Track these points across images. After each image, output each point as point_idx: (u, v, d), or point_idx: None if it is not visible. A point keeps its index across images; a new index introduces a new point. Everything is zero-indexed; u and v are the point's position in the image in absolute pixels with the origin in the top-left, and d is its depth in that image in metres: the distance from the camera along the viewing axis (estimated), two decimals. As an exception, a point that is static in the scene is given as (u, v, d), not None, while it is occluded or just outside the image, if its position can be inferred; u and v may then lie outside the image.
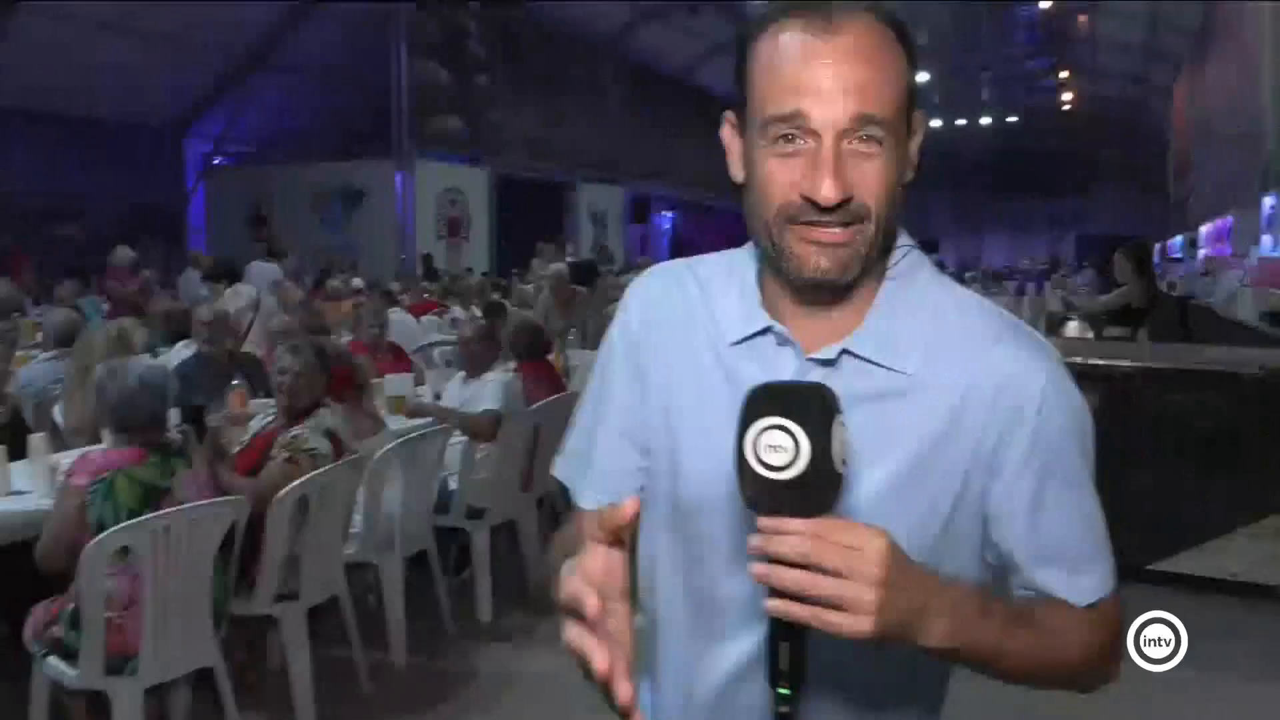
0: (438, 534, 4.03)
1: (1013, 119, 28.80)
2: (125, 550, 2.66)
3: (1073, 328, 7.95)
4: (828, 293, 0.99)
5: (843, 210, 0.93)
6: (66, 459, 3.32)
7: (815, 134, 0.92)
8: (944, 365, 0.99)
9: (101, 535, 2.62)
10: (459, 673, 3.67)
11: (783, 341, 1.02)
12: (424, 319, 8.18)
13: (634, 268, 13.34)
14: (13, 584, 3.30)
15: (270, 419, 3.67)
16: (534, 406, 4.49)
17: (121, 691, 2.70)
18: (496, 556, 4.25)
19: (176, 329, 5.70)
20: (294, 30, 15.14)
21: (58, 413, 4.26)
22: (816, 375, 0.98)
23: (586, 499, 1.13)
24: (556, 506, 4.60)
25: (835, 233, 0.94)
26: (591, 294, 8.65)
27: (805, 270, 0.96)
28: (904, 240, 1.05)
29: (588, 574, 0.83)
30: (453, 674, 3.66)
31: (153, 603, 2.70)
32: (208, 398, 3.96)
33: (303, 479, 3.17)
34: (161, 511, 2.73)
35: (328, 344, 3.99)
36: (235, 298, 6.99)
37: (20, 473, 3.32)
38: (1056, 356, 1.03)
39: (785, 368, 1.00)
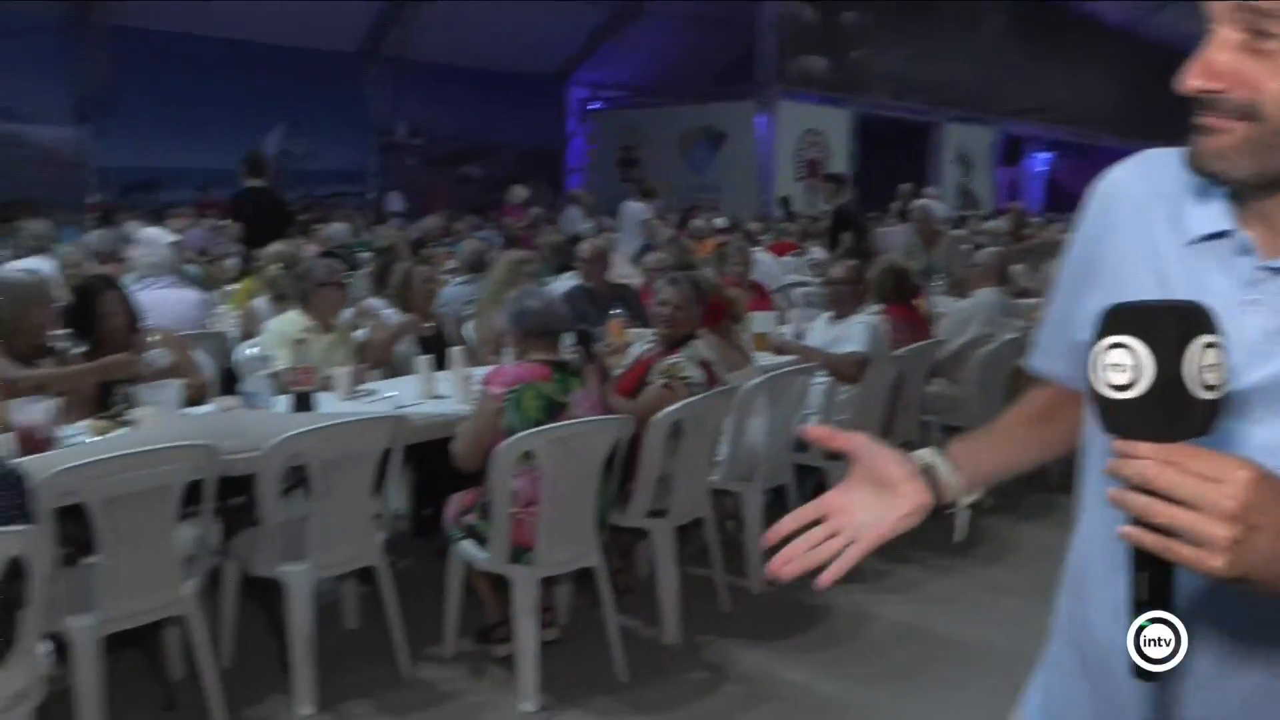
0: (797, 471, 4.09)
1: None
2: (529, 455, 2.97)
3: None
4: (1265, 194, 0.93)
5: (1217, 100, 0.88)
6: (477, 370, 3.77)
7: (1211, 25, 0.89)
8: None
9: (510, 440, 2.95)
10: (815, 607, 3.73)
11: (1242, 250, 0.95)
12: (783, 259, 8.24)
13: (1000, 213, 12.50)
14: (435, 475, 3.84)
15: (648, 346, 3.90)
16: (898, 352, 4.39)
17: (520, 577, 3.05)
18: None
19: (561, 261, 6.23)
20: (668, -22, 15.70)
21: (468, 330, 4.84)
22: (1271, 286, 0.92)
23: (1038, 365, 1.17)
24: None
25: (1210, 123, 0.90)
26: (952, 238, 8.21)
27: (1192, 160, 0.93)
28: None
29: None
30: (808, 607, 3.73)
31: (549, 503, 3.01)
32: (591, 325, 4.29)
33: (678, 404, 3.35)
34: (560, 423, 3.01)
35: (703, 278, 4.14)
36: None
37: (442, 380, 3.81)
38: None
39: (1237, 273, 0.94)
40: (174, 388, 3.26)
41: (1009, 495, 4.45)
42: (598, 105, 18.16)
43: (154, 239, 5.09)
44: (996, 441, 1.21)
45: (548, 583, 3.30)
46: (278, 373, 3.61)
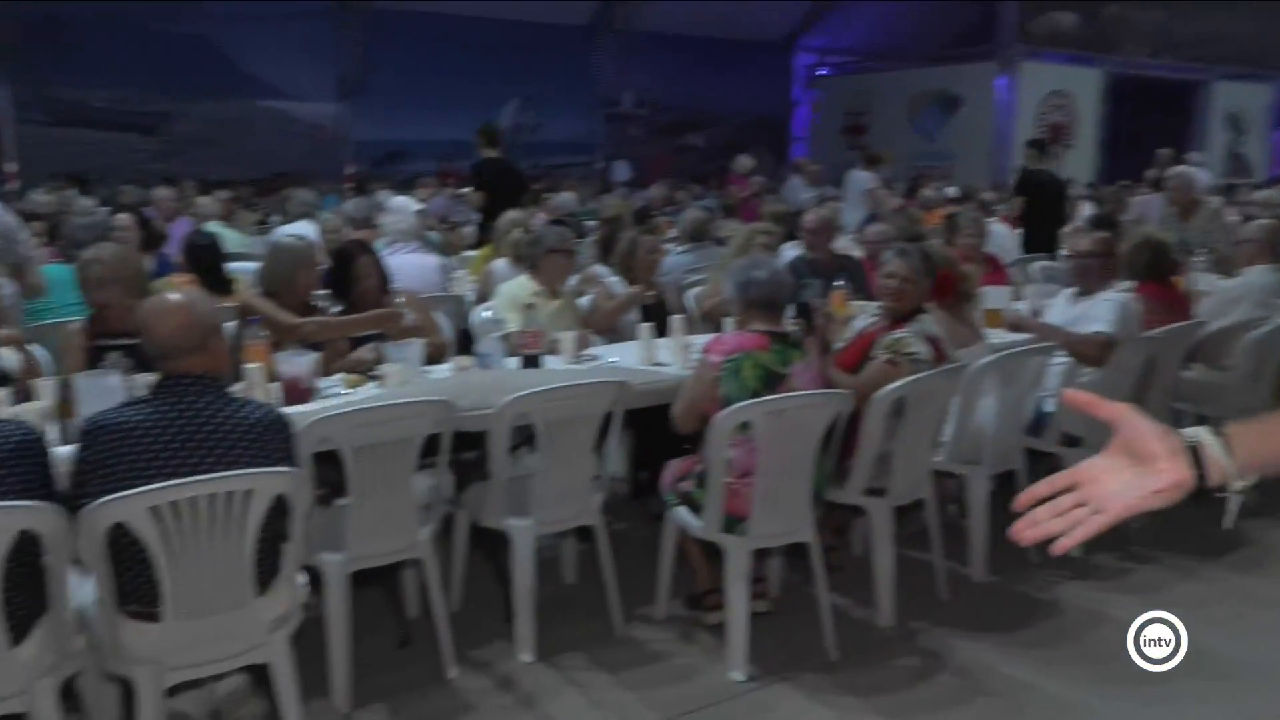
0: (1028, 456, 3.86)
1: None
2: (745, 425, 2.97)
3: None
4: None
5: None
6: (697, 339, 3.80)
7: None
8: None
9: (728, 410, 2.95)
10: (1042, 601, 3.52)
11: None
12: (1019, 231, 7.76)
13: (1275, 182, 11.18)
14: (653, 440, 3.91)
15: (871, 319, 3.78)
16: (1151, 334, 4.03)
17: (733, 547, 3.06)
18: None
19: (784, 231, 6.13)
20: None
21: (689, 298, 4.88)
22: None
23: None
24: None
25: None
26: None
27: None
28: None
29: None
30: (1033, 601, 3.53)
31: (764, 475, 2.99)
32: (815, 296, 4.20)
33: (902, 381, 3.23)
34: (778, 395, 2.98)
35: (934, 250, 3.96)
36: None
37: (662, 347, 3.86)
38: None
39: None
40: (417, 347, 3.48)
41: (1273, 496, 4.01)
42: (824, 71, 17.72)
43: (402, 207, 5.45)
44: None
45: (760, 554, 3.29)
46: (509, 335, 3.78)
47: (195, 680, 2.47)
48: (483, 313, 3.89)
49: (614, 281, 4.56)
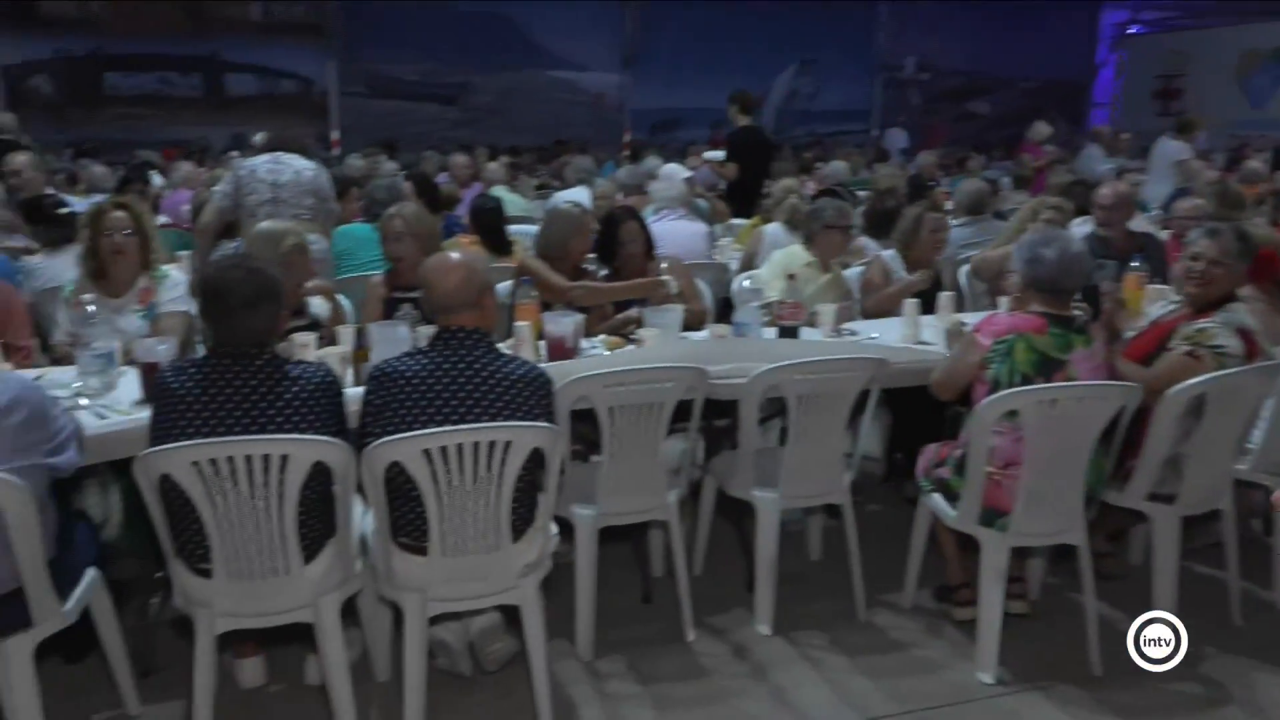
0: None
1: None
2: (1014, 413, 2.76)
3: None
4: None
5: None
6: (967, 317, 3.58)
7: None
8: None
9: (995, 395, 2.76)
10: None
11: None
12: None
13: None
14: (911, 421, 3.76)
15: (1171, 307, 3.39)
16: None
17: (990, 541, 2.88)
18: None
19: (1075, 206, 5.63)
20: None
21: (962, 275, 4.62)
22: None
23: None
24: None
25: None
26: None
27: None
28: None
29: None
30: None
31: (1031, 468, 2.78)
32: (1108, 278, 3.84)
33: (1203, 377, 2.88)
34: (1053, 384, 2.75)
35: (1252, 230, 3.48)
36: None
37: (928, 325, 3.68)
38: None
39: None
40: (676, 312, 3.53)
41: None
42: (1136, 29, 16.07)
43: (671, 174, 5.55)
44: None
45: (1020, 552, 3.08)
46: (769, 305, 3.74)
47: (455, 614, 2.67)
48: (744, 281, 3.88)
49: (889, 256, 4.36)
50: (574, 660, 2.95)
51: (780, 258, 4.25)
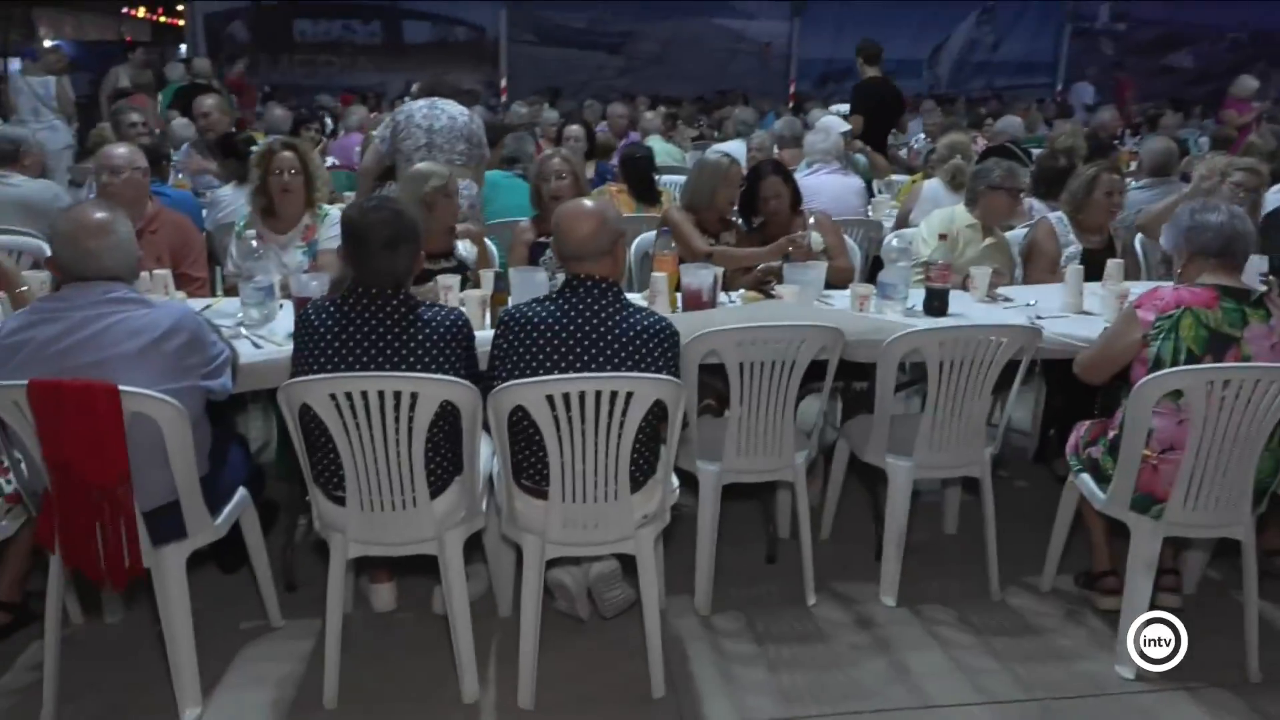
0: None
1: None
2: (1177, 393, 2.55)
3: None
4: None
5: None
6: (1135, 287, 3.32)
7: None
8: None
9: (1158, 373, 2.55)
10: None
11: None
12: None
13: None
14: (1068, 396, 3.53)
15: (1378, 286, 3.04)
16: None
17: (1142, 529, 2.68)
18: None
19: (1271, 171, 5.11)
20: None
21: (1138, 242, 4.29)
22: None
23: None
24: None
25: None
26: None
27: None
28: None
29: None
30: None
31: (1195, 455, 2.56)
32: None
33: None
34: (1224, 364, 2.52)
35: None
36: None
37: (1093, 294, 3.43)
38: None
39: None
40: (819, 269, 3.42)
41: None
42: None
43: (828, 126, 5.36)
44: None
45: (1176, 543, 2.86)
46: (919, 264, 3.58)
47: (574, 558, 2.72)
48: (893, 240, 3.71)
49: (1056, 219, 4.08)
50: (691, 615, 2.96)
51: (938, 217, 4.05)
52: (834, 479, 3.37)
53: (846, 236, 4.33)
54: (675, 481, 2.69)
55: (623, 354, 2.37)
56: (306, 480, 2.52)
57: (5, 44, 14.66)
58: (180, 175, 5.53)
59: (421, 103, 4.48)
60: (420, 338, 2.38)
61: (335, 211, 3.80)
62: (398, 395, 2.28)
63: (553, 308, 2.41)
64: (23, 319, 2.30)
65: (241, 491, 2.68)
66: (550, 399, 2.28)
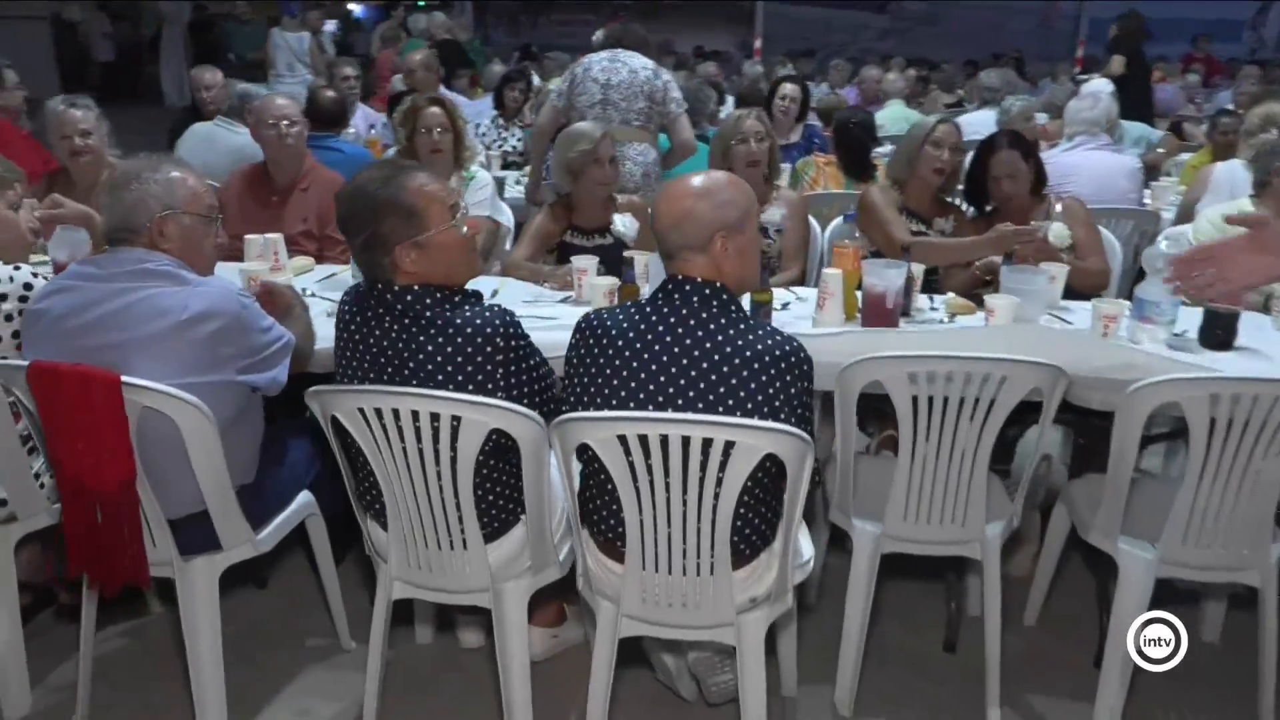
0: None
1: None
2: None
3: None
4: None
5: None
6: None
7: None
8: None
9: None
10: None
11: None
12: None
13: None
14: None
15: None
16: None
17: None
18: None
19: None
20: None
21: None
22: None
23: None
24: None
25: None
26: None
27: None
28: None
29: None
30: None
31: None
32: None
33: None
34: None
35: None
36: None
37: None
38: None
39: None
40: (1043, 277, 2.61)
41: None
42: None
43: (1095, 91, 4.36)
44: None
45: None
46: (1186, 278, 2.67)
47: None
48: (1161, 242, 2.78)
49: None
50: (829, 714, 2.31)
51: (1214, 213, 3.08)
52: (1049, 549, 2.57)
53: (1105, 230, 3.42)
54: (808, 553, 2.05)
55: (723, 386, 1.75)
56: (350, 496, 2.11)
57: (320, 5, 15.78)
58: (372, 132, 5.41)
59: (602, 54, 3.95)
60: (431, 348, 1.86)
61: (483, 173, 3.41)
62: (436, 418, 1.81)
63: (636, 316, 1.83)
64: (54, 283, 2.03)
65: (305, 497, 2.32)
66: (623, 440, 1.72)
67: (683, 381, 1.76)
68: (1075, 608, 2.67)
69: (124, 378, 1.84)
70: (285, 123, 3.44)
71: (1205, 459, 2.02)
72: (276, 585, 2.80)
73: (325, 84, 4.96)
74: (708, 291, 1.79)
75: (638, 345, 1.79)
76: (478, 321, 1.86)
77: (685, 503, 1.76)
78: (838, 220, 3.49)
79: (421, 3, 16.76)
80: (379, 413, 1.82)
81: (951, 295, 2.86)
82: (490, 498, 1.94)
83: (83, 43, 13.37)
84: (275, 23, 9.25)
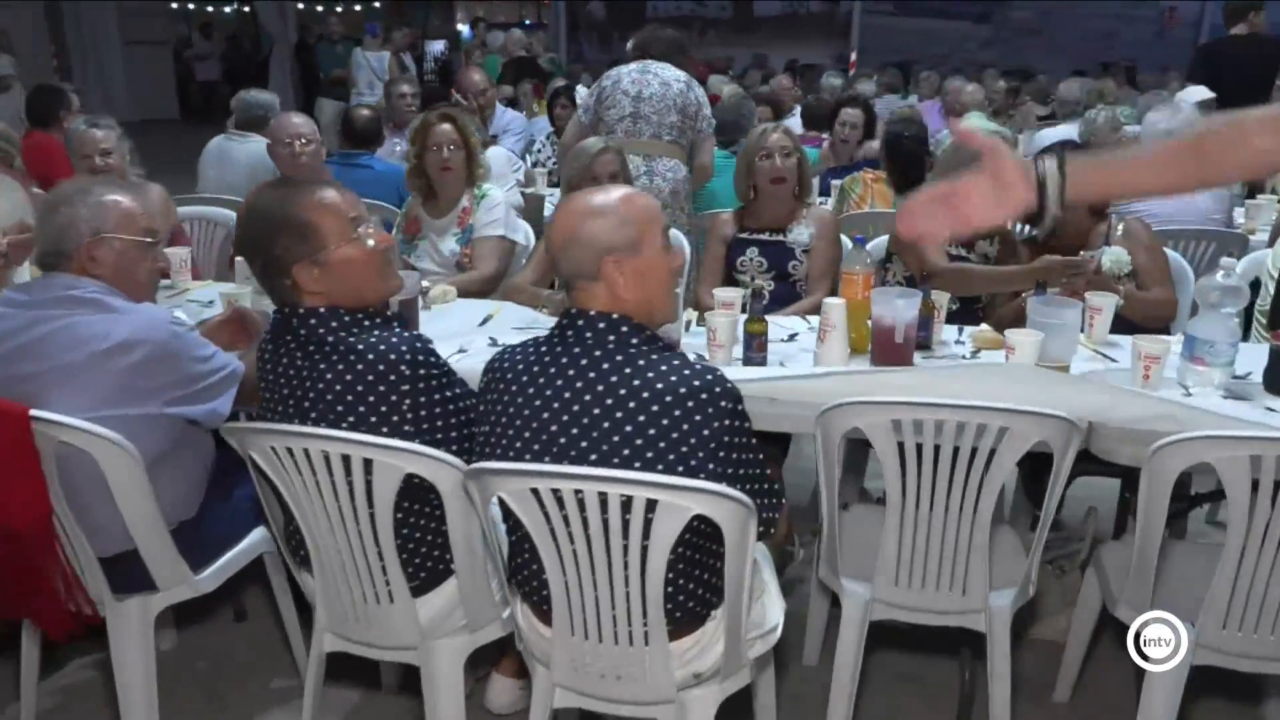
0: None
1: None
2: None
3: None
4: None
5: None
6: None
7: None
8: None
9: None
10: None
11: None
12: None
13: None
14: None
15: None
16: None
17: None
18: None
19: None
20: None
21: None
22: None
23: None
24: None
25: None
26: None
27: None
28: None
29: None
30: None
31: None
32: None
33: None
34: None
35: None
36: None
37: None
38: None
39: None
40: (1075, 310, 2.30)
41: None
42: None
43: (1179, 101, 3.96)
44: (1124, 167, 1.38)
45: None
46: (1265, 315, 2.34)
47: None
48: (1219, 274, 2.43)
49: None
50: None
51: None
52: (1079, 618, 2.26)
53: (1177, 255, 3.08)
54: (775, 619, 1.82)
55: (631, 427, 1.52)
56: (276, 537, 1.98)
57: (425, 27, 16.12)
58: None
59: (631, 66, 3.77)
60: (330, 376, 1.70)
61: (497, 192, 3.27)
62: (348, 460, 1.66)
63: (532, 355, 1.63)
64: (-16, 311, 1.97)
65: (259, 534, 2.20)
66: (537, 494, 1.53)
67: (587, 424, 1.55)
68: (1113, 683, 2.36)
69: (33, 411, 1.75)
70: (300, 141, 3.39)
71: (1248, 531, 1.72)
72: (256, 618, 2.71)
73: (371, 103, 4.93)
74: (602, 325, 1.58)
75: (537, 387, 1.59)
76: (381, 348, 1.70)
77: (610, 563, 1.56)
78: (876, 243, 3.23)
79: (527, 22, 17.01)
80: (290, 452, 1.69)
81: (983, 327, 2.58)
82: (415, 546, 1.79)
83: (188, 64, 13.97)
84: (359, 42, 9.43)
